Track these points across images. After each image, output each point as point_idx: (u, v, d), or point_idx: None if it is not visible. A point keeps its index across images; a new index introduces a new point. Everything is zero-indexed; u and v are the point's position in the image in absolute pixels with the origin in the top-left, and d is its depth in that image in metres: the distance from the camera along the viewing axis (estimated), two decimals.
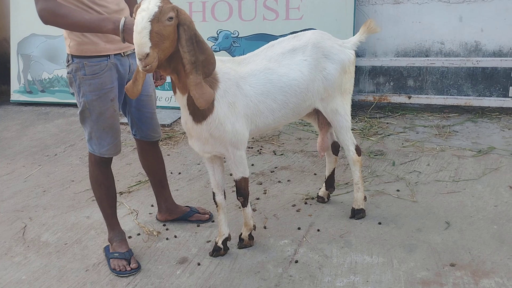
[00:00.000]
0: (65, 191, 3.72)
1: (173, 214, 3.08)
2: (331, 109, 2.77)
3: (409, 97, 4.94)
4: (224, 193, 2.72)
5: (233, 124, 2.40)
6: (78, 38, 2.43)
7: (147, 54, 1.97)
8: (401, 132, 4.45)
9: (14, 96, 6.20)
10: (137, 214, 3.27)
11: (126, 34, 2.19)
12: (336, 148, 3.10)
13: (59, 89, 6.03)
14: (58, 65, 5.96)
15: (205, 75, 2.18)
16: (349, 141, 2.87)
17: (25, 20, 5.94)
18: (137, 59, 2.00)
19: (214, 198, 2.71)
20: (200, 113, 2.34)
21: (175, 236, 2.95)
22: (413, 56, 4.99)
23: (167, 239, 2.93)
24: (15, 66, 6.16)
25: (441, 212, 3.01)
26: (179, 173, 3.90)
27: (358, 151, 2.91)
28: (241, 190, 2.62)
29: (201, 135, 2.42)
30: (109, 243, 2.79)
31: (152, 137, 2.87)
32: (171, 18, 2.03)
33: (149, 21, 1.97)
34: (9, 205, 3.53)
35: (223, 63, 2.45)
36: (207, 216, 3.11)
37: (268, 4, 5.04)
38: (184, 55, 2.10)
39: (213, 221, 3.09)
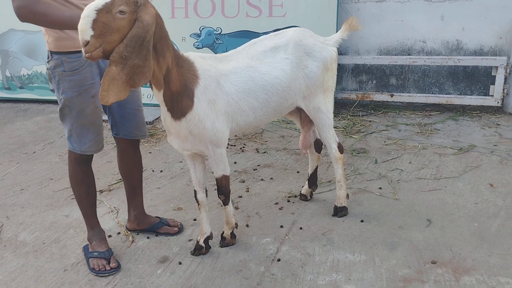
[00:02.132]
0: (43, 189, 3.65)
1: (141, 224, 2.95)
2: (313, 107, 2.75)
3: (392, 95, 4.97)
4: (206, 191, 2.70)
5: (213, 122, 2.36)
6: (56, 33, 2.37)
7: (87, 42, 1.94)
8: (383, 130, 4.47)
9: None
10: (117, 213, 3.22)
11: None
12: (318, 145, 3.09)
13: (38, 85, 5.92)
14: (37, 61, 5.84)
15: (130, 84, 2.03)
16: (331, 139, 2.86)
17: (3, 15, 5.77)
18: None
19: (195, 196, 2.68)
20: (179, 109, 2.29)
21: (156, 235, 2.91)
22: (395, 55, 5.02)
23: (148, 238, 2.89)
24: None
25: (423, 210, 3.03)
26: (161, 171, 3.85)
27: (340, 148, 2.91)
28: (222, 188, 2.59)
29: (180, 132, 2.38)
30: (88, 242, 2.74)
31: (135, 135, 2.75)
32: (123, 11, 1.95)
33: (95, 10, 1.91)
34: None
35: (203, 59, 2.40)
36: (176, 229, 2.95)
37: (251, 1, 5.01)
38: (119, 45, 1.98)
39: (194, 220, 3.06)
